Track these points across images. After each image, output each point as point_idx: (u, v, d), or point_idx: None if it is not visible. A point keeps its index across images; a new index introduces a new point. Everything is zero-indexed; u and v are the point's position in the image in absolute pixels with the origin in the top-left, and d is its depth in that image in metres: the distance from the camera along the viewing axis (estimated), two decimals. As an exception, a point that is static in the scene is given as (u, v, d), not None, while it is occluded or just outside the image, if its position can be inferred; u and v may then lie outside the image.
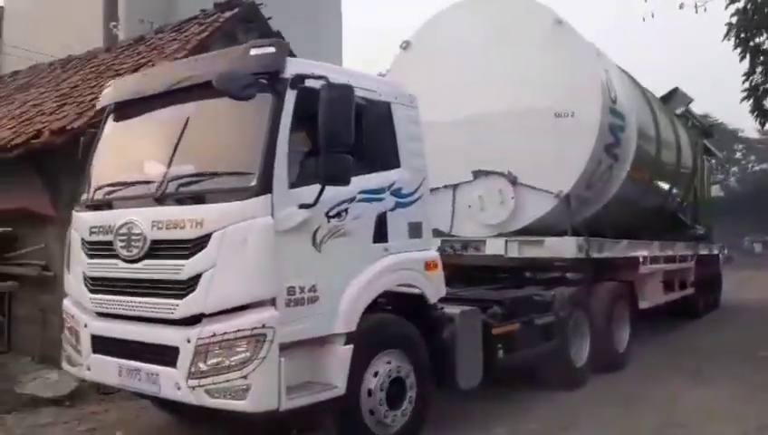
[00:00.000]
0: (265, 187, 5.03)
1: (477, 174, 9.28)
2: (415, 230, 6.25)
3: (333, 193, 5.35)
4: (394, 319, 6.02)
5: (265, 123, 5.14)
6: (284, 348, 5.04)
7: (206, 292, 4.99)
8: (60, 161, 8.94)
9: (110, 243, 5.59)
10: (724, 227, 19.60)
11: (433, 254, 6.45)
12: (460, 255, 9.16)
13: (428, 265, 6.31)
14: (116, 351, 5.59)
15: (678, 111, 13.77)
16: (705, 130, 15.00)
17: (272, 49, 5.26)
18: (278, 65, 5.23)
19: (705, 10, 11.97)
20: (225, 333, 4.91)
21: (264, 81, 5.20)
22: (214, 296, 4.98)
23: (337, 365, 5.40)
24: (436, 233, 9.39)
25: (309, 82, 5.29)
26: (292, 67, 5.31)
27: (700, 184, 14.42)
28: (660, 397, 8.09)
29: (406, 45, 10.02)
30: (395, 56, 10.19)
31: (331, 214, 5.42)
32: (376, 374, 5.70)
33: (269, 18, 12.46)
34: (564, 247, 8.70)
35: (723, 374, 9.30)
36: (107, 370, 5.66)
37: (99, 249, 5.75)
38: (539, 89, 9.05)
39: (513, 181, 9.05)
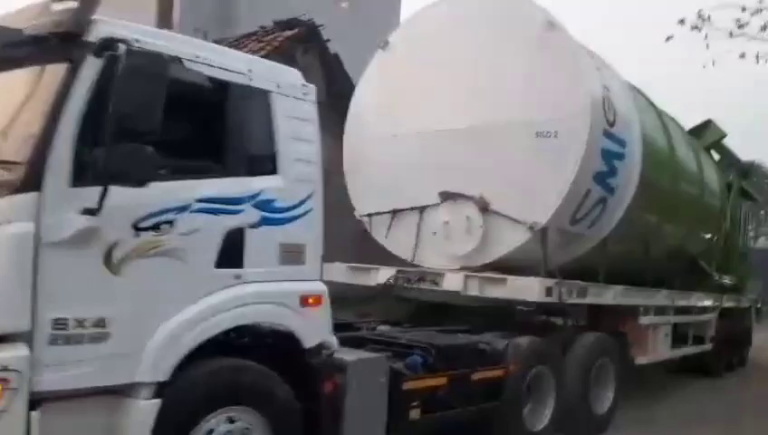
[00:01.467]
0: (31, 181, 3.50)
1: (445, 196, 7.55)
2: (292, 255, 4.63)
3: (146, 198, 3.81)
4: (242, 366, 4.35)
5: (50, 97, 3.63)
6: (48, 400, 3.51)
7: None
8: None
9: None
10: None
11: (316, 287, 4.80)
12: (410, 289, 7.45)
13: (305, 300, 4.66)
14: None
15: (706, 144, 11.65)
16: (743, 170, 12.80)
17: (73, 4, 3.74)
18: (77, 25, 3.70)
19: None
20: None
21: (61, 43, 3.70)
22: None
23: (136, 426, 3.81)
24: (398, 262, 7.83)
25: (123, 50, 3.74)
26: (101, 29, 3.77)
27: (733, 229, 12.23)
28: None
29: (384, 45, 8.37)
30: (375, 56, 8.58)
31: (141, 226, 3.84)
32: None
33: (327, 40, 11.97)
34: (529, 289, 6.88)
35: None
36: None
37: None
38: (521, 102, 7.30)
39: (484, 208, 7.29)
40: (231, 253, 4.26)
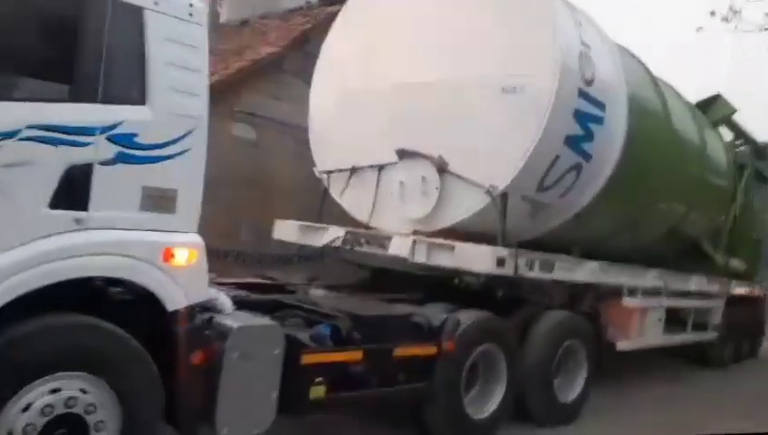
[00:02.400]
0: None
1: (402, 154, 6.77)
2: (157, 201, 3.95)
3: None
4: (84, 325, 3.69)
5: None
6: None
7: None
8: None
9: None
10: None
11: (187, 239, 4.09)
12: (356, 252, 6.72)
13: (170, 255, 3.97)
14: None
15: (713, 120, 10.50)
16: (759, 151, 11.62)
17: None
18: None
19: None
20: None
21: None
22: None
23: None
24: (354, 223, 7.13)
25: None
26: None
27: (745, 213, 11.13)
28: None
29: (351, -4, 7.60)
30: (342, 9, 7.80)
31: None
32: (27, 409, 3.46)
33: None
34: (479, 259, 6.09)
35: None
36: None
37: None
38: (488, 56, 6.46)
39: (442, 168, 6.50)
40: (72, 192, 3.61)
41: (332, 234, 6.86)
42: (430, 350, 5.54)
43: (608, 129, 6.97)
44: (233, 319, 4.46)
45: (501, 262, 6.05)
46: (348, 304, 5.60)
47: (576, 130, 6.55)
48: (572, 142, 6.57)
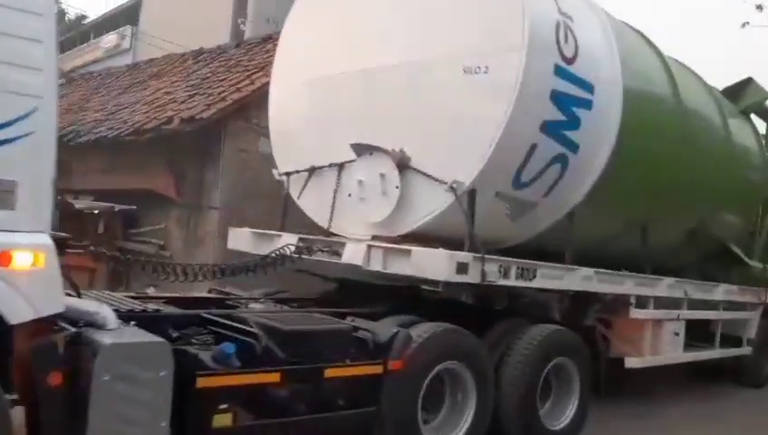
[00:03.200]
0: None
1: (359, 150, 6.01)
2: (-11, 194, 3.27)
3: None
4: None
5: None
6: None
7: None
8: (186, 149, 9.27)
9: None
10: None
11: (30, 241, 3.40)
12: (304, 261, 5.95)
13: (7, 259, 3.30)
14: None
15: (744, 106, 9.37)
16: (798, 140, 10.45)
17: None
18: None
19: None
20: None
21: None
22: None
23: None
24: (316, 229, 6.41)
25: None
26: None
27: (783, 212, 10.00)
28: None
29: (308, -23, 6.90)
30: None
31: None
32: None
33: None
34: (435, 264, 5.26)
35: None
36: None
37: None
38: (450, 34, 5.69)
39: (403, 164, 5.72)
40: None
41: (284, 241, 6.12)
42: (374, 369, 4.72)
43: (598, 114, 6.09)
44: (109, 335, 3.77)
45: (463, 268, 5.19)
46: (280, 318, 4.83)
47: (556, 115, 5.70)
48: (552, 130, 5.72)
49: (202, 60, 13.52)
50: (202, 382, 3.96)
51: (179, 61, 14.56)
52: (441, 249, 5.25)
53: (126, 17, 31.09)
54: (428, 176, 5.58)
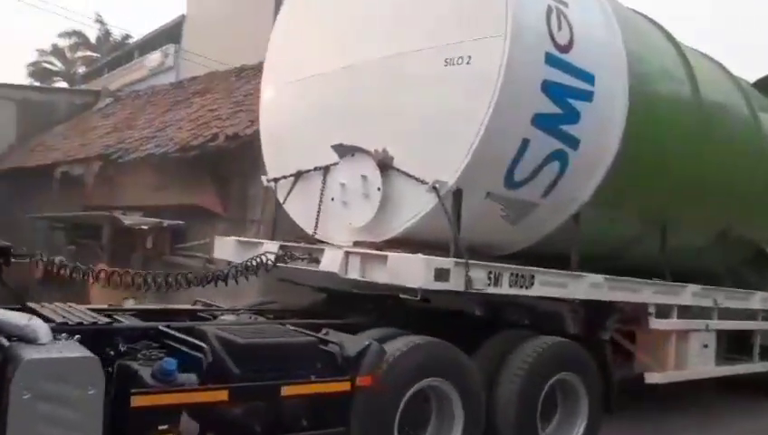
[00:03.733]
0: None
1: (341, 151, 5.63)
2: None
3: None
4: None
5: None
6: None
7: None
8: (231, 164, 9.49)
9: None
10: None
11: None
12: (281, 269, 5.58)
13: None
14: None
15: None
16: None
17: None
18: None
19: None
20: None
21: None
22: None
23: None
24: (306, 236, 6.08)
25: None
26: None
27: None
28: None
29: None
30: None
31: None
32: None
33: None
34: (411, 270, 4.81)
35: None
36: None
37: None
38: (432, 24, 5.27)
39: (385, 164, 5.31)
40: None
41: (265, 249, 5.77)
42: (340, 386, 4.30)
43: (601, 106, 5.58)
44: (35, 350, 3.47)
45: (442, 275, 4.72)
46: (242, 331, 4.44)
47: (550, 107, 5.21)
48: (546, 124, 5.22)
49: (244, 76, 13.54)
50: (137, 401, 3.61)
51: (222, 78, 14.71)
52: (419, 255, 4.82)
53: (169, 36, 31.60)
54: (411, 176, 5.16)
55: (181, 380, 3.78)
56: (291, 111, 6.33)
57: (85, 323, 4.24)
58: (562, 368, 5.52)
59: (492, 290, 5.09)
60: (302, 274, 5.62)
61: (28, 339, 3.58)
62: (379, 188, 5.30)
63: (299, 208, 6.16)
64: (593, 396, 5.68)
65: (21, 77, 40.78)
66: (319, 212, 5.86)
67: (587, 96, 5.46)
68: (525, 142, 5.17)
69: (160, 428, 3.67)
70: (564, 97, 5.28)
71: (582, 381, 5.65)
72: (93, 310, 4.78)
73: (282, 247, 5.71)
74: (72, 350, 3.63)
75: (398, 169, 5.25)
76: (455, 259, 4.84)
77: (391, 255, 4.90)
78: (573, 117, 5.38)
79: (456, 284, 4.80)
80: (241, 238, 6.27)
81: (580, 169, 5.66)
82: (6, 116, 19.66)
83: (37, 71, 43.22)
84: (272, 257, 5.54)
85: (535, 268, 5.48)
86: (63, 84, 40.16)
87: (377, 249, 5.24)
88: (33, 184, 15.16)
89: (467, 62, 4.95)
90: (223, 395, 3.88)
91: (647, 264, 6.77)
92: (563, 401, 5.68)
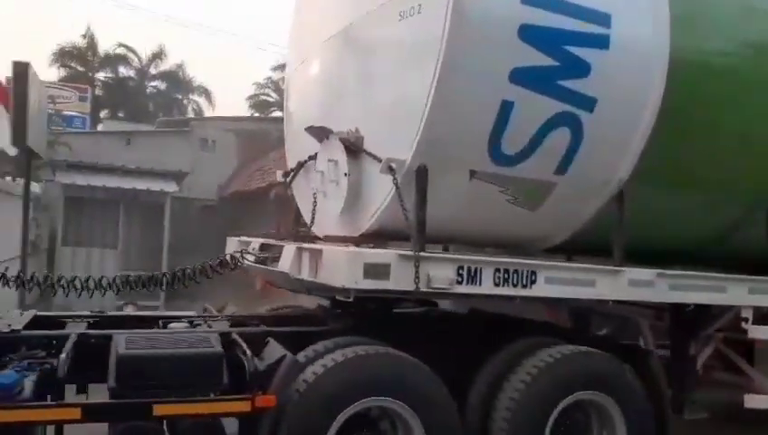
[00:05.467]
0: None
1: (318, 134, 4.79)
2: None
3: None
4: None
5: None
6: None
7: None
8: None
9: None
10: None
11: None
12: (245, 268, 4.80)
13: None
14: None
15: None
16: None
17: None
18: None
19: None
20: None
21: None
22: None
23: None
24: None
25: None
26: None
27: None
28: None
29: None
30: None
31: None
32: None
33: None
34: (337, 268, 3.83)
35: None
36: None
37: None
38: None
39: (353, 146, 4.41)
40: None
41: (232, 248, 5.06)
42: (236, 407, 3.49)
43: (625, 55, 4.20)
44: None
45: (376, 271, 3.70)
46: (150, 339, 3.77)
47: (536, 58, 3.97)
48: (533, 79, 3.98)
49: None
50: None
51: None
52: (347, 247, 3.86)
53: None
54: (375, 157, 4.21)
55: (22, 394, 3.23)
56: (298, 97, 5.65)
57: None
58: (584, 386, 4.20)
59: (461, 289, 3.93)
60: (271, 275, 4.84)
61: None
62: (345, 174, 4.40)
63: (303, 202, 5.41)
64: (633, 423, 4.26)
65: (243, 109, 44.09)
66: (314, 205, 5.08)
67: (600, 42, 4.12)
68: (506, 105, 3.98)
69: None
70: (559, 44, 4.01)
71: (618, 403, 4.27)
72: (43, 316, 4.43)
73: (263, 246, 4.98)
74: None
75: (365, 152, 4.33)
76: (398, 252, 3.80)
77: (325, 249, 3.97)
78: (578, 69, 4.08)
79: (400, 282, 3.75)
80: (242, 238, 5.63)
81: (605, 137, 4.31)
82: (229, 146, 21.28)
83: (256, 103, 46.62)
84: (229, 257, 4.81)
85: (539, 261, 4.23)
86: (279, 114, 42.78)
87: (354, 244, 4.34)
88: (252, 206, 15.99)
89: (419, 11, 3.92)
90: (74, 413, 3.25)
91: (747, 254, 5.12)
92: (600, 429, 4.34)
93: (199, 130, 21.77)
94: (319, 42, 5.09)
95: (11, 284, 4.04)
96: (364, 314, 4.52)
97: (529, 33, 3.92)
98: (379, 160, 4.08)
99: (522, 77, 3.95)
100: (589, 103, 4.16)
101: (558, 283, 4.24)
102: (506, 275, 4.08)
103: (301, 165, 5.31)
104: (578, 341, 4.47)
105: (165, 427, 3.71)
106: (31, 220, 9.52)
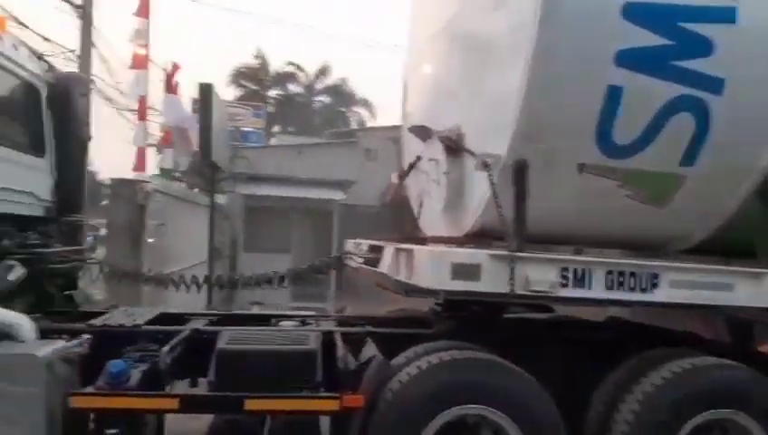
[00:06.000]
0: None
1: (421, 134, 4.64)
2: None
3: None
4: None
5: None
6: None
7: None
8: None
9: None
10: None
11: None
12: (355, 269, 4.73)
13: None
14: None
15: None
16: None
17: None
18: None
19: None
20: None
21: None
22: None
23: None
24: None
25: None
26: None
27: None
28: None
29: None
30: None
31: None
32: None
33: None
34: (424, 268, 3.62)
35: None
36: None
37: None
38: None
39: (454, 144, 4.23)
40: None
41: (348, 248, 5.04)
42: (324, 405, 3.44)
43: (757, 26, 3.66)
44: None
45: (464, 272, 3.48)
46: (248, 336, 3.84)
47: (644, 38, 3.56)
48: (643, 61, 3.58)
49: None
50: (77, 402, 3.36)
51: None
52: (436, 247, 3.67)
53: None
54: (472, 154, 4.00)
55: (130, 382, 3.41)
56: (412, 97, 5.55)
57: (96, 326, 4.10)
58: (718, 404, 3.69)
59: (569, 293, 3.61)
60: (378, 277, 4.73)
61: (12, 337, 3.60)
62: (445, 172, 4.23)
63: (416, 203, 5.29)
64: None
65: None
66: (420, 205, 4.96)
67: (724, 15, 3.62)
68: (614, 91, 3.61)
69: (108, 431, 3.36)
70: (673, 21, 3.57)
71: (759, 423, 3.70)
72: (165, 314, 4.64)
73: (371, 248, 4.92)
74: (29, 348, 3.52)
75: (464, 149, 4.13)
76: (489, 251, 3.56)
77: (416, 249, 3.81)
78: (698, 48, 3.61)
79: (493, 284, 3.51)
80: (358, 240, 5.59)
81: (739, 121, 3.78)
82: (390, 154, 21.80)
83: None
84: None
85: (661, 262, 3.78)
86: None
87: (457, 245, 4.16)
88: (410, 210, 16.43)
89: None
90: (172, 403, 3.38)
91: None
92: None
93: (364, 140, 22.36)
94: (427, 38, 4.96)
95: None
96: (471, 317, 4.32)
97: (635, 12, 3.53)
98: (476, 157, 3.90)
99: (629, 59, 3.57)
100: (714, 85, 3.67)
101: (686, 287, 3.76)
102: (621, 278, 3.69)
103: (411, 166, 5.20)
104: (726, 355, 3.95)
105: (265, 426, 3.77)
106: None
